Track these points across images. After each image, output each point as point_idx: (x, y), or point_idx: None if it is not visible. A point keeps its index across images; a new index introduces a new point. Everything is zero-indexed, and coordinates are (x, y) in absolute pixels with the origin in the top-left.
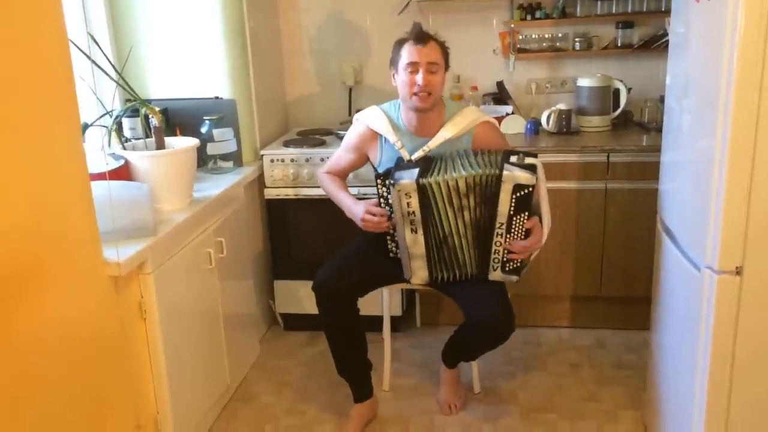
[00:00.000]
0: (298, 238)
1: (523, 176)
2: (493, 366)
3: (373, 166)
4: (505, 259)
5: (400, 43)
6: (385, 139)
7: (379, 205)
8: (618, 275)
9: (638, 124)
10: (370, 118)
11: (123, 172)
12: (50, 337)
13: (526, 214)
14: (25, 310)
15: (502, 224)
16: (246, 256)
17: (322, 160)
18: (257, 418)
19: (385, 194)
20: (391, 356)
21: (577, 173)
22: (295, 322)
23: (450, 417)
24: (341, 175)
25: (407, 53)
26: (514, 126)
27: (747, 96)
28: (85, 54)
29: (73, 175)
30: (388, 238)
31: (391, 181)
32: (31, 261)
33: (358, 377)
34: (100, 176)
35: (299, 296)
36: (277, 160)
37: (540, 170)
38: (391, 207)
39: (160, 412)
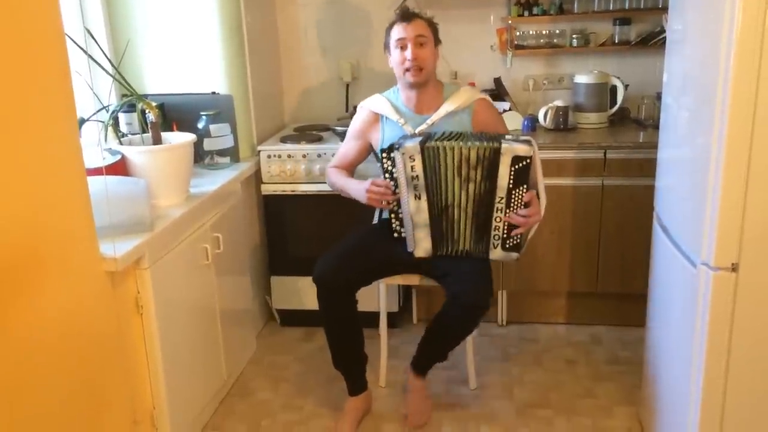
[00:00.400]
0: (295, 234)
1: (520, 148)
2: (489, 362)
3: (374, 153)
4: (505, 235)
5: (389, 26)
6: (387, 119)
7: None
8: (614, 272)
9: (635, 120)
10: (370, 103)
11: (119, 168)
12: (47, 333)
13: (525, 187)
14: (21, 306)
15: (502, 198)
16: (243, 251)
17: (319, 156)
18: (254, 414)
19: (389, 168)
20: (387, 352)
21: (574, 170)
22: (291, 318)
23: (445, 413)
24: (348, 168)
25: (395, 32)
26: (511, 122)
27: (744, 93)
28: (82, 49)
29: (69, 170)
30: (392, 216)
31: (396, 146)
32: (27, 256)
33: (353, 370)
34: (97, 171)
35: (296, 292)
36: (274, 156)
37: (535, 146)
38: (395, 181)
39: (157, 407)
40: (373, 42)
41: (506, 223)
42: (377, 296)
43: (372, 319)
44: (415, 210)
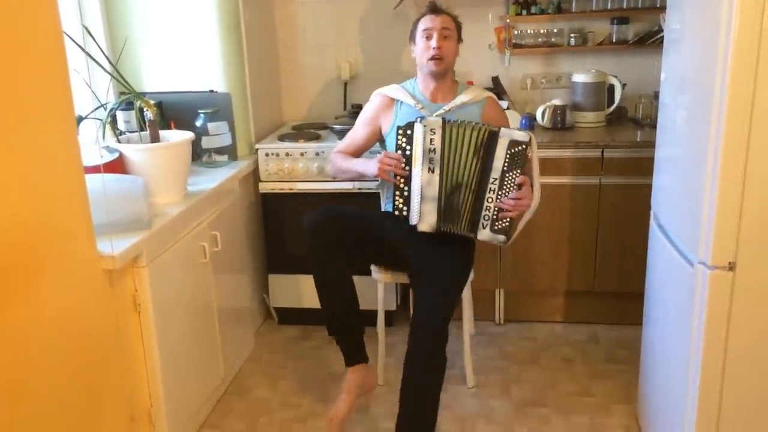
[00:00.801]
0: (293, 232)
1: (518, 133)
2: (487, 361)
3: (383, 140)
4: (495, 216)
5: (417, 19)
6: (402, 104)
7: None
8: (611, 270)
9: (632, 119)
10: (386, 89)
11: (117, 165)
12: (44, 331)
13: (518, 172)
14: (19, 304)
15: (495, 179)
16: (240, 250)
17: (317, 154)
18: (251, 412)
19: (404, 145)
20: (384, 351)
21: (572, 168)
22: (289, 316)
23: (443, 412)
24: (354, 154)
25: (423, 23)
26: (509, 121)
27: (741, 92)
28: (80, 46)
29: (67, 168)
30: (397, 193)
31: (419, 119)
32: (24, 254)
33: (347, 338)
34: (95, 169)
35: (294, 290)
36: (272, 154)
37: (533, 141)
38: (408, 159)
39: (154, 405)
40: (371, 40)
41: (496, 208)
42: (375, 295)
43: (370, 317)
44: (427, 183)
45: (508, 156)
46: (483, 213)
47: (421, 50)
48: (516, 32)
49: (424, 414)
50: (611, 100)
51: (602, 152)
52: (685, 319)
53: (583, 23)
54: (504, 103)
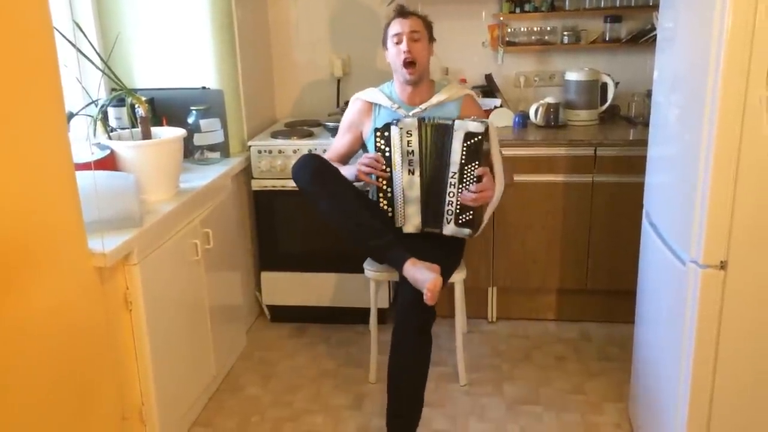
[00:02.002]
0: (285, 229)
1: (472, 125)
2: (480, 359)
3: (364, 144)
4: (458, 210)
5: (387, 24)
6: (380, 107)
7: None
8: (604, 268)
9: (625, 118)
10: (364, 94)
11: (108, 162)
12: (35, 329)
13: (477, 164)
14: (8, 301)
15: (455, 173)
16: (233, 247)
17: (310, 151)
18: (243, 410)
19: (383, 147)
20: (377, 348)
21: (565, 167)
22: (281, 314)
23: (436, 409)
24: (340, 161)
25: (392, 28)
26: (502, 119)
27: (733, 91)
28: (71, 42)
29: (57, 164)
30: (380, 195)
31: (394, 121)
32: (15, 251)
33: (386, 240)
34: (86, 166)
35: (286, 288)
36: (265, 151)
37: (492, 128)
38: (388, 160)
39: (146, 403)
40: (364, 38)
41: (458, 202)
42: (367, 293)
43: (362, 315)
44: (408, 185)
45: (464, 148)
46: (446, 208)
47: (393, 55)
48: (509, 30)
49: (412, 398)
50: (604, 99)
51: (595, 150)
52: (676, 318)
53: (576, 21)
54: (497, 101)
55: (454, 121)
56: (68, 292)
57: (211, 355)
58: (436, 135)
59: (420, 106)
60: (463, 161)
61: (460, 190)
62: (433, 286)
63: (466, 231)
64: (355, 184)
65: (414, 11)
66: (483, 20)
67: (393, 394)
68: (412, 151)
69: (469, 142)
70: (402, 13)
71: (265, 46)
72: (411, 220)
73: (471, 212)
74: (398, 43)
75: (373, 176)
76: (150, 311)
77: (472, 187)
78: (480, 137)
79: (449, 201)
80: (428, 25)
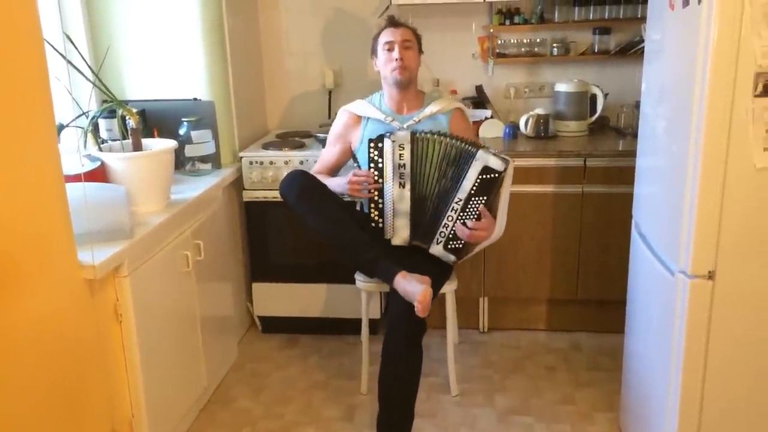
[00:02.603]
0: (277, 240)
1: (494, 160)
2: (471, 369)
3: (353, 155)
4: (450, 235)
5: (378, 33)
6: (369, 119)
7: (368, 169)
8: (594, 278)
9: (614, 129)
10: (352, 106)
11: (99, 174)
12: (24, 341)
13: (485, 199)
14: None
15: (461, 200)
16: (224, 258)
17: (302, 162)
18: (234, 422)
19: (375, 158)
20: (369, 359)
21: (555, 177)
22: (273, 325)
23: (428, 420)
24: (329, 173)
25: (384, 36)
26: (492, 130)
27: (720, 103)
28: (61, 54)
29: (48, 176)
30: (372, 206)
31: (387, 134)
32: (3, 263)
33: (376, 251)
34: (76, 178)
35: (278, 299)
36: (256, 162)
37: (510, 169)
38: (380, 171)
39: (136, 415)
40: (355, 49)
41: (453, 228)
42: (359, 303)
43: (354, 325)
44: (399, 198)
45: (478, 180)
46: (440, 229)
47: (384, 62)
48: (499, 42)
49: (403, 410)
50: (593, 110)
51: (585, 161)
52: (666, 327)
53: (565, 33)
54: (487, 112)
55: (479, 149)
56: (58, 304)
57: (202, 366)
58: (451, 156)
59: (414, 118)
60: (472, 192)
61: (460, 218)
62: (424, 297)
63: (451, 258)
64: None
65: (405, 22)
66: (473, 32)
67: (384, 405)
68: (404, 164)
69: (485, 176)
70: (393, 23)
71: (256, 58)
72: (399, 233)
73: (462, 242)
74: (390, 50)
75: (365, 191)
76: (140, 323)
77: (470, 224)
78: (497, 175)
79: (445, 224)
80: (418, 37)
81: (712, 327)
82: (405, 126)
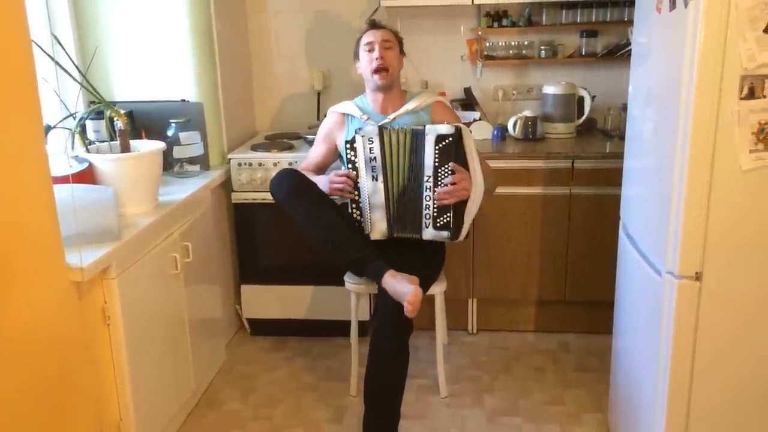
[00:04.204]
0: (265, 242)
1: (443, 127)
2: (460, 370)
3: (340, 156)
4: (435, 213)
5: (359, 37)
6: (352, 119)
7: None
8: (582, 280)
9: (602, 131)
10: (338, 106)
11: (87, 176)
12: (10, 344)
13: (449, 165)
14: None
15: (429, 177)
16: (212, 260)
17: (290, 164)
18: (223, 424)
19: (352, 158)
20: (358, 361)
21: (543, 179)
22: (261, 328)
23: (417, 421)
24: (315, 171)
25: (365, 38)
26: (481, 132)
27: (706, 105)
28: (49, 55)
29: (35, 178)
30: (353, 206)
31: (357, 130)
32: None
33: (366, 251)
34: (63, 179)
35: (266, 301)
36: (245, 164)
37: (465, 131)
38: (357, 170)
39: (123, 419)
40: (344, 51)
41: (436, 203)
42: (348, 305)
43: (343, 327)
44: (373, 191)
45: (437, 151)
46: (424, 212)
47: (365, 64)
48: (488, 44)
49: (389, 409)
50: (581, 112)
51: (572, 163)
52: (653, 328)
53: (553, 36)
54: (476, 114)
55: (425, 126)
56: (45, 307)
57: (190, 369)
58: (409, 141)
59: (390, 116)
60: (436, 164)
61: (435, 193)
62: (414, 298)
63: (445, 234)
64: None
65: (386, 25)
66: (462, 34)
67: (369, 405)
68: (374, 157)
69: (440, 145)
70: (374, 25)
71: (245, 59)
72: (377, 226)
73: (449, 214)
74: (370, 51)
75: (346, 191)
76: (128, 326)
77: (446, 180)
78: (450, 138)
79: (426, 205)
80: (399, 39)
81: (699, 327)
82: (378, 124)
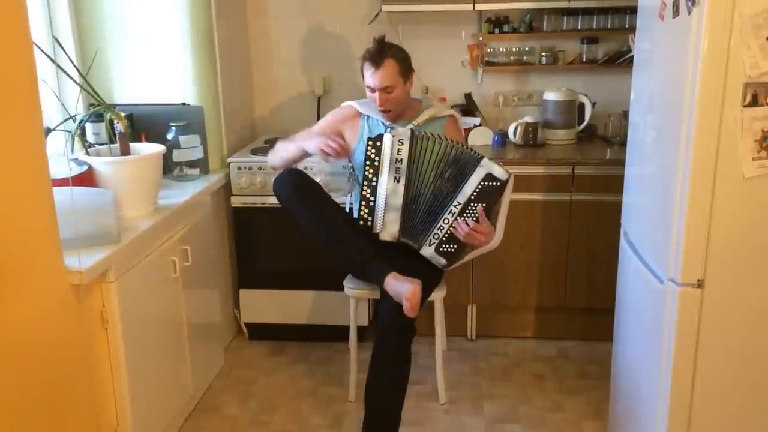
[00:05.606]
0: (264, 246)
1: (498, 169)
2: (459, 376)
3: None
4: (444, 238)
5: (363, 59)
6: (370, 119)
7: (363, 167)
8: (582, 287)
9: (602, 137)
10: (357, 103)
11: (86, 178)
12: (8, 347)
13: (484, 206)
14: None
15: (459, 204)
16: (211, 264)
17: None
18: (221, 429)
19: (372, 155)
20: (357, 366)
21: (543, 185)
22: (260, 332)
23: (416, 428)
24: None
25: (366, 73)
26: (481, 138)
27: (709, 112)
28: (50, 57)
29: (34, 180)
30: (363, 203)
31: (388, 129)
32: None
33: (368, 253)
34: (63, 182)
35: (265, 306)
36: (245, 168)
37: (511, 182)
38: (375, 170)
39: (121, 423)
40: (344, 55)
41: (449, 230)
42: (347, 310)
43: (342, 332)
44: (392, 192)
45: (480, 186)
46: (434, 231)
47: (369, 94)
48: (488, 50)
49: (389, 415)
50: (581, 118)
51: (573, 169)
52: (654, 335)
53: (554, 42)
54: (476, 120)
55: (483, 157)
56: (43, 310)
57: (188, 374)
58: (441, 152)
59: (414, 122)
60: (472, 197)
61: (456, 221)
62: (413, 294)
63: (442, 261)
64: (330, 193)
65: (387, 51)
66: (463, 40)
67: (370, 409)
68: (401, 159)
69: (487, 183)
70: (374, 59)
71: (245, 63)
72: (389, 227)
73: (455, 246)
74: (372, 92)
75: (357, 180)
76: (127, 329)
77: (470, 222)
78: (498, 184)
79: (440, 226)
80: (404, 65)
81: (701, 335)
82: (407, 128)
